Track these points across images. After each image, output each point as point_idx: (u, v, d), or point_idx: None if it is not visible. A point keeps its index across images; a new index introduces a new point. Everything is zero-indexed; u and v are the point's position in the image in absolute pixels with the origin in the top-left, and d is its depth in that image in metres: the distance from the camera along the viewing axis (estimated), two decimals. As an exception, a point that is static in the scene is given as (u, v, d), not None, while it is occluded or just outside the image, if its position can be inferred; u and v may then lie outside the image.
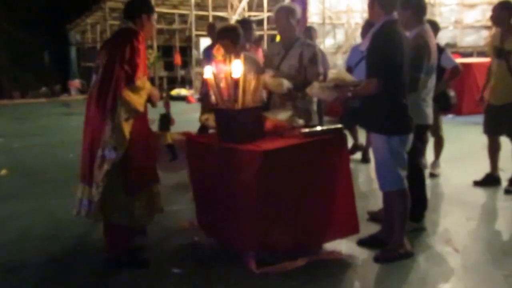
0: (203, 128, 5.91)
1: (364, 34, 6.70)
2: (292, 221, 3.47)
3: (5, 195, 5.56)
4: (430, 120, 4.13)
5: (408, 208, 3.65)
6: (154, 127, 3.90)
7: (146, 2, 3.74)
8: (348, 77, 3.68)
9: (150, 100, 3.57)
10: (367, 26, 6.58)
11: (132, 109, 3.37)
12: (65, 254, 3.92)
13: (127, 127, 3.34)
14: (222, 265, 3.62)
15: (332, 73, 3.74)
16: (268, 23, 18.16)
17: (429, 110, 4.08)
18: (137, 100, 3.39)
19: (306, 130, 3.64)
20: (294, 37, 4.14)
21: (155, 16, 3.75)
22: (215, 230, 3.91)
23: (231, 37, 4.38)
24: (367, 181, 5.84)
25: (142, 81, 3.43)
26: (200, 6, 19.42)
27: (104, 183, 3.32)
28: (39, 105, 15.80)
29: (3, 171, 6.53)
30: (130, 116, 3.36)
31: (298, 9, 4.23)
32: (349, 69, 6.10)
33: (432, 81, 4.06)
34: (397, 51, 3.42)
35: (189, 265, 3.67)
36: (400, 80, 3.47)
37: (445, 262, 3.69)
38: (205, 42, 13.61)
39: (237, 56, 4.15)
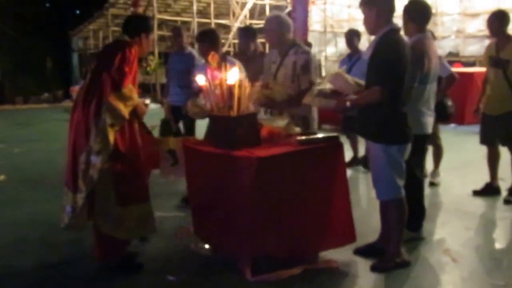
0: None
1: (349, 43, 6.83)
2: (288, 229, 3.45)
3: (3, 200, 5.55)
4: (428, 129, 4.07)
5: (405, 217, 3.62)
6: (155, 132, 3.89)
7: (146, 21, 3.86)
8: (350, 78, 3.64)
9: (136, 113, 3.53)
10: (352, 35, 6.68)
11: (118, 115, 3.35)
12: (60, 260, 3.91)
13: (111, 133, 3.32)
14: (218, 272, 3.60)
15: (330, 77, 3.71)
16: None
17: (426, 120, 3.99)
18: (123, 109, 3.37)
19: (302, 137, 3.62)
20: (286, 45, 4.11)
21: (152, 36, 3.80)
22: (211, 236, 3.89)
23: (210, 40, 4.48)
24: (364, 190, 5.82)
25: (129, 89, 3.40)
26: (203, 13, 19.53)
27: (87, 188, 3.32)
28: (41, 110, 15.87)
29: (1, 177, 6.53)
30: (115, 122, 3.34)
31: (287, 18, 4.26)
32: None
33: (430, 91, 3.99)
34: (401, 60, 3.39)
35: (184, 272, 3.64)
36: (401, 89, 3.42)
37: (443, 272, 3.66)
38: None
39: (221, 59, 4.19)
